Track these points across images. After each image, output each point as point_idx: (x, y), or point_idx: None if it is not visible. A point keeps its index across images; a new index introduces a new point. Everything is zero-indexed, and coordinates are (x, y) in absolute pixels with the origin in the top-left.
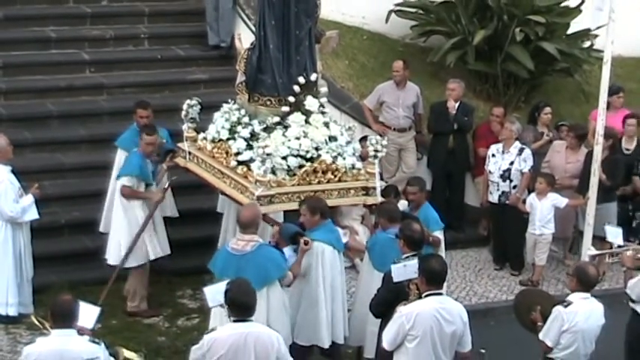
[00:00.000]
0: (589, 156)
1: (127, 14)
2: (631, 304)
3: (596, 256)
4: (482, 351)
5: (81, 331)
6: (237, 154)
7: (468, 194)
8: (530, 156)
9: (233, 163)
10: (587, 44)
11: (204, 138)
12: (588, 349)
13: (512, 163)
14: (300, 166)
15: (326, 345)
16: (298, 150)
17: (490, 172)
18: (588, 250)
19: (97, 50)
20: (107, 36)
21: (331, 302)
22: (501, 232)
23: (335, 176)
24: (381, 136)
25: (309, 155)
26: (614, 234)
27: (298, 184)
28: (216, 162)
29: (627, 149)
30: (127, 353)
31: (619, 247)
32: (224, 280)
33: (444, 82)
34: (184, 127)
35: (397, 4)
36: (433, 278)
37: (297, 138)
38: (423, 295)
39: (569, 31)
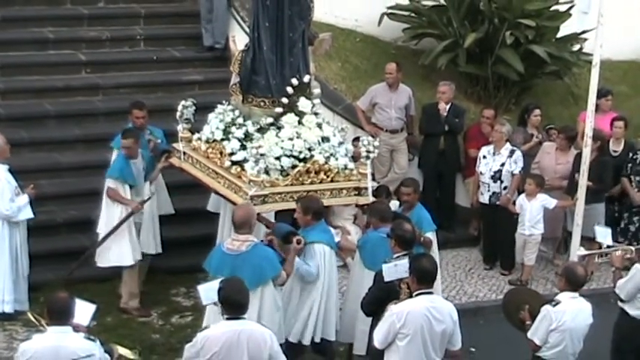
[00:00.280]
0: (578, 157)
1: (123, 16)
2: (620, 304)
3: (586, 256)
4: (472, 350)
5: (77, 328)
6: (231, 154)
7: (459, 195)
8: (520, 158)
9: (227, 164)
10: (576, 47)
11: (199, 138)
12: (576, 347)
13: (503, 165)
14: (293, 167)
15: (306, 341)
16: (291, 150)
17: (481, 173)
18: (578, 250)
19: (93, 51)
20: (103, 37)
21: (326, 300)
22: (491, 233)
23: (327, 176)
24: (373, 137)
25: (302, 156)
26: (604, 234)
27: (291, 184)
28: (211, 162)
29: (615, 151)
30: (121, 350)
31: (608, 247)
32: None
33: (435, 85)
34: (179, 127)
35: (390, 7)
36: (424, 277)
37: (291, 139)
38: (414, 294)
39: (559, 35)
